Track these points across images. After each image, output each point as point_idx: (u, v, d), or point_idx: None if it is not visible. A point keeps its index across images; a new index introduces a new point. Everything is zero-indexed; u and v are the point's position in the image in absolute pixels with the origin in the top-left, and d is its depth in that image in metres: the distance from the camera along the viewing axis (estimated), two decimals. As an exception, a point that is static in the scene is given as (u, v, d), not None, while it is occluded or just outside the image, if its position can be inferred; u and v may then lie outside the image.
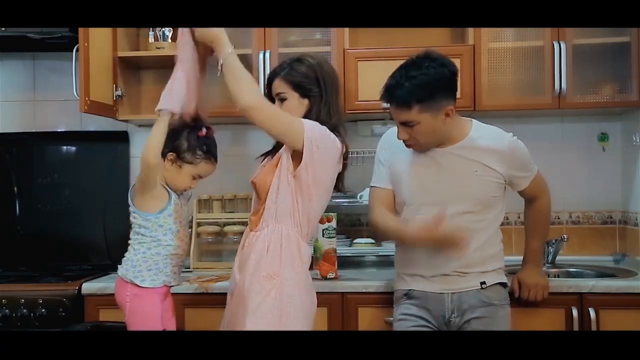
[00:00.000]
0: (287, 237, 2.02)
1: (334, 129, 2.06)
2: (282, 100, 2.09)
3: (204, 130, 2.09)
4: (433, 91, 2.06)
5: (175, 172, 2.09)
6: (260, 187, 2.06)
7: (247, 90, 1.96)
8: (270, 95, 2.14)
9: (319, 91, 2.07)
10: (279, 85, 2.10)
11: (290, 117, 2.01)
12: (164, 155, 2.06)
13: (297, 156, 2.00)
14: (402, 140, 2.15)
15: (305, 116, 2.07)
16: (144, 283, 2.05)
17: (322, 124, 2.04)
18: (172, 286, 2.13)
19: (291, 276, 1.99)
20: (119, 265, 2.12)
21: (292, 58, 2.14)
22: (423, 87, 2.05)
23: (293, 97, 2.08)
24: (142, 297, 2.05)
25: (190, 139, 2.08)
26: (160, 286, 2.08)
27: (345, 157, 2.13)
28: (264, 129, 1.99)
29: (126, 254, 2.10)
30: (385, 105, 2.13)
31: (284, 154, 2.03)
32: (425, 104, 2.06)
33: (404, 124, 2.10)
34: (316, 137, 1.98)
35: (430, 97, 2.06)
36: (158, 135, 2.01)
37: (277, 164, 2.04)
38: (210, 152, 2.10)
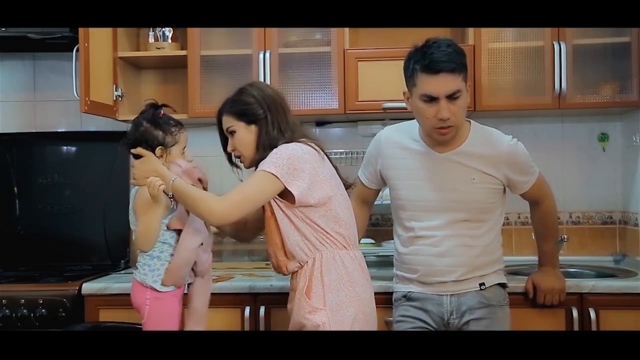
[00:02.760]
0: (326, 261, 2.01)
1: (291, 142, 2.04)
2: (232, 133, 2.09)
3: (161, 110, 2.10)
4: (465, 60, 2.10)
5: (168, 161, 2.08)
6: (272, 243, 2.06)
7: (207, 207, 1.95)
8: (222, 135, 2.15)
9: (264, 113, 2.06)
10: (226, 121, 2.11)
11: (254, 181, 1.98)
12: (133, 155, 2.07)
13: (285, 192, 1.98)
14: (443, 121, 2.06)
15: (257, 140, 2.06)
16: (164, 287, 2.06)
17: (275, 142, 2.03)
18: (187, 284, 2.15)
19: (339, 300, 1.98)
20: (134, 271, 2.12)
21: (234, 92, 2.14)
22: (461, 55, 2.08)
23: (240, 127, 2.08)
24: (162, 301, 2.06)
25: (160, 124, 2.07)
26: (179, 287, 2.10)
27: (323, 151, 2.10)
28: (250, 212, 2.02)
29: (140, 259, 2.09)
30: (431, 75, 2.04)
31: (272, 204, 2.02)
32: (465, 72, 2.08)
33: (450, 97, 2.05)
34: (284, 163, 1.96)
35: (466, 65, 2.09)
36: (157, 227, 2.01)
37: (272, 216, 2.03)
38: (178, 123, 2.12)
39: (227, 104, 2.12)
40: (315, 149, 2.04)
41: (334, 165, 2.13)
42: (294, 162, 1.96)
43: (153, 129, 2.07)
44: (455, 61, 2.05)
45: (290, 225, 2.01)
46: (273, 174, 1.95)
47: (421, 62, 2.05)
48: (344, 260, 2.02)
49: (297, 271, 2.05)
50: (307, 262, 2.02)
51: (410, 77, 2.09)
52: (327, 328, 1.94)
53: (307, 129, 2.17)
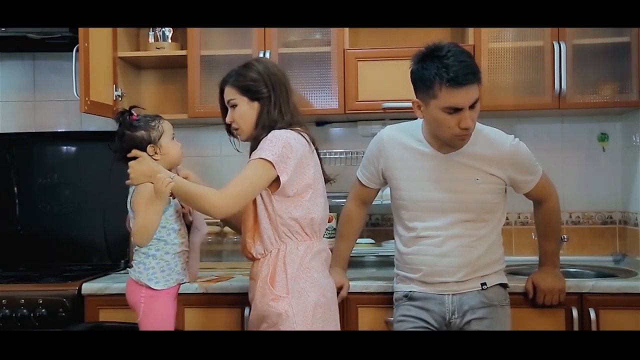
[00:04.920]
0: (289, 252, 2.05)
1: (290, 126, 2.07)
2: (233, 106, 2.11)
3: (134, 113, 2.13)
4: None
5: (162, 153, 2.10)
6: (245, 224, 2.11)
7: (208, 203, 1.98)
8: (223, 104, 2.17)
9: (268, 92, 2.08)
10: (229, 92, 2.13)
11: (250, 171, 2.00)
12: (126, 157, 2.09)
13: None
14: (464, 130, 2.05)
15: (258, 118, 2.08)
16: (158, 285, 2.07)
17: (275, 124, 2.06)
18: (183, 283, 2.16)
19: (300, 287, 2.01)
20: (129, 269, 2.14)
21: (240, 65, 2.15)
22: (474, 61, 2.08)
23: (242, 101, 2.10)
24: (156, 299, 2.08)
25: (138, 126, 2.10)
26: (174, 285, 2.11)
27: (314, 144, 2.13)
28: (250, 200, 2.04)
29: (136, 258, 2.11)
30: (456, 88, 2.00)
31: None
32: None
33: (471, 107, 2.04)
34: (280, 152, 1.98)
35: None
36: (156, 221, 2.03)
37: (254, 202, 2.06)
38: (155, 116, 2.14)
39: (232, 76, 2.13)
40: (306, 139, 2.07)
41: (319, 158, 2.17)
42: (287, 151, 2.00)
43: (135, 133, 2.09)
44: (476, 71, 2.04)
45: (265, 212, 2.05)
46: (269, 161, 1.97)
47: (444, 75, 1.98)
48: (305, 249, 2.06)
49: (259, 259, 2.08)
50: (271, 251, 2.06)
51: (428, 88, 2.03)
52: (290, 316, 1.98)
53: (303, 115, 2.19)
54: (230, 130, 2.17)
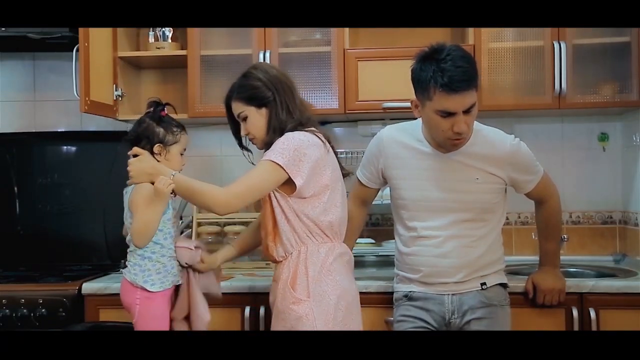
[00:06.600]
0: (310, 254, 2.05)
1: (300, 125, 2.07)
2: (244, 119, 2.12)
3: (165, 109, 2.13)
4: (477, 70, 2.07)
5: (166, 158, 2.10)
6: (264, 227, 2.11)
7: (211, 198, 1.99)
8: (232, 119, 2.18)
9: (272, 95, 2.09)
10: (236, 107, 2.13)
11: (258, 171, 2.01)
12: (133, 144, 2.09)
13: (285, 182, 2.02)
14: (458, 134, 2.04)
15: (268, 123, 2.09)
16: (154, 287, 2.07)
17: (285, 125, 2.06)
18: (179, 284, 2.15)
19: (322, 289, 2.02)
20: (124, 270, 2.13)
21: (239, 77, 2.16)
22: (474, 66, 2.05)
23: (251, 111, 2.10)
24: (152, 300, 2.07)
25: (162, 122, 2.11)
26: (169, 287, 2.10)
27: (330, 143, 2.13)
28: (254, 200, 2.05)
29: (130, 259, 2.10)
30: (449, 93, 1.98)
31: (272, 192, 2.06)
32: (478, 82, 2.06)
33: (466, 112, 2.03)
34: (291, 155, 1.98)
35: (478, 75, 2.06)
36: (156, 222, 2.03)
37: (269, 201, 2.07)
38: (180, 125, 2.15)
39: (235, 90, 2.14)
40: (321, 140, 2.07)
41: (336, 156, 2.16)
42: (299, 154, 1.99)
43: (155, 126, 2.10)
44: (472, 77, 2.02)
45: (282, 214, 2.05)
46: (279, 164, 1.98)
47: (439, 79, 1.98)
48: (326, 252, 2.06)
49: (281, 262, 2.09)
50: (291, 253, 2.06)
51: (424, 90, 2.03)
52: (310, 319, 1.98)
53: (312, 111, 2.19)
54: (242, 145, 2.20)
